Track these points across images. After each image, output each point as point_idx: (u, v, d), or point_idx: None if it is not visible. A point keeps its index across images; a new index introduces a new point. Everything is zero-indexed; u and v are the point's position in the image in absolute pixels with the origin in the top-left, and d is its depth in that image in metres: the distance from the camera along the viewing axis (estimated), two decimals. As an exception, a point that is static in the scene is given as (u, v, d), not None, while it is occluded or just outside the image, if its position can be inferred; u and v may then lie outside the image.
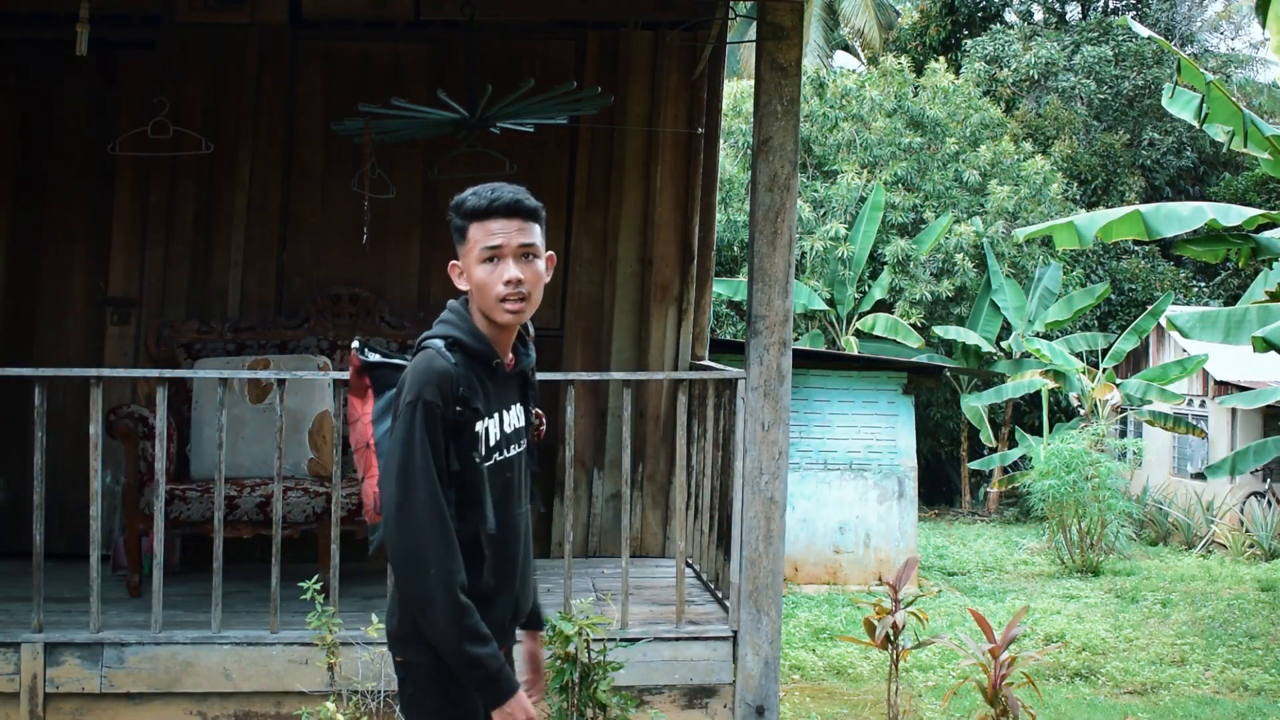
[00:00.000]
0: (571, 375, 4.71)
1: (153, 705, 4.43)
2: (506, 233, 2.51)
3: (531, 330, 2.79)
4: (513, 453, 2.65)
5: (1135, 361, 15.57)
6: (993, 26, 22.08)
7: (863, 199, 16.35)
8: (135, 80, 6.11)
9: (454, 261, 2.59)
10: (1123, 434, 15.75)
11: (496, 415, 2.60)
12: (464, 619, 2.41)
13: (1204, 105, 8.64)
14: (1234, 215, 9.00)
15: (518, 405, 2.69)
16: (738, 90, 17.71)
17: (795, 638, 8.24)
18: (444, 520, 2.43)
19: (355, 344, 2.75)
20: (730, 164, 16.62)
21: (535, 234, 2.55)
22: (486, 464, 2.56)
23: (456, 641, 2.40)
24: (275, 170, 6.19)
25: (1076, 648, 8.23)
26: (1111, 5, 23.35)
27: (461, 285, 2.59)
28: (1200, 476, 13.93)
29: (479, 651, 2.41)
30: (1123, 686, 7.53)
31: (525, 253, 2.53)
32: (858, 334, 16.02)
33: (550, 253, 2.64)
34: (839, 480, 10.43)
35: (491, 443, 2.58)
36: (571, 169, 6.38)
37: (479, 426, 2.54)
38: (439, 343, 2.53)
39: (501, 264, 2.52)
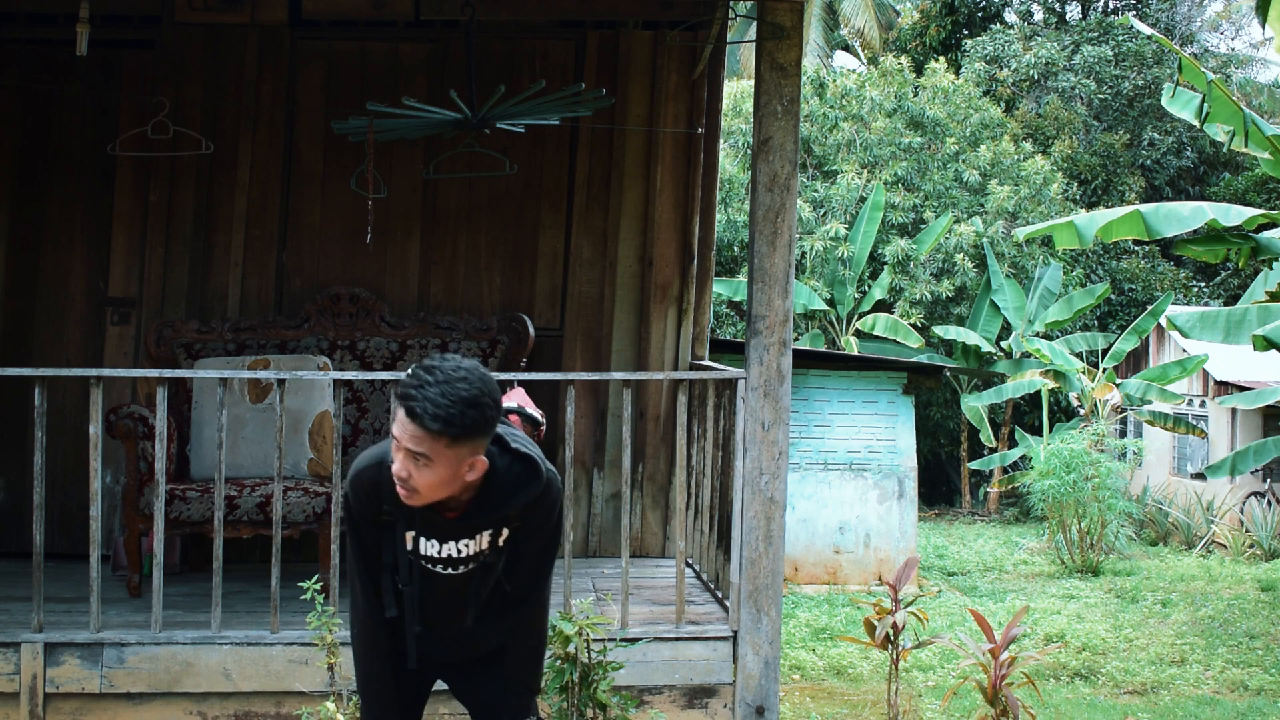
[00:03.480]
0: (571, 375, 4.71)
1: (153, 705, 4.43)
2: (404, 432, 2.54)
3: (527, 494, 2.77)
4: (446, 572, 2.78)
5: (1135, 361, 15.57)
6: (993, 26, 22.09)
7: (863, 199, 16.36)
8: (135, 80, 6.10)
9: None
10: (1123, 434, 15.75)
11: (427, 540, 2.75)
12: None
13: (1204, 105, 8.64)
14: (1234, 215, 9.00)
15: (467, 540, 2.75)
16: (738, 90, 17.71)
17: (795, 638, 8.24)
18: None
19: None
20: (730, 164, 16.62)
21: (430, 446, 2.51)
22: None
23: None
24: (275, 170, 6.19)
25: (1076, 648, 8.23)
26: (1111, 5, 23.35)
27: None
28: (1200, 476, 13.93)
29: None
30: (1123, 686, 7.54)
31: (415, 456, 2.55)
32: (858, 334, 16.02)
33: (480, 459, 2.60)
34: (839, 480, 10.43)
35: (423, 552, 2.76)
36: (571, 169, 6.38)
37: (400, 531, 2.75)
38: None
39: (399, 453, 2.57)
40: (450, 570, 2.77)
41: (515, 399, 3.16)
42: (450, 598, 2.83)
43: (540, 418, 3.16)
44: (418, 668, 2.90)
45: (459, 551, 2.75)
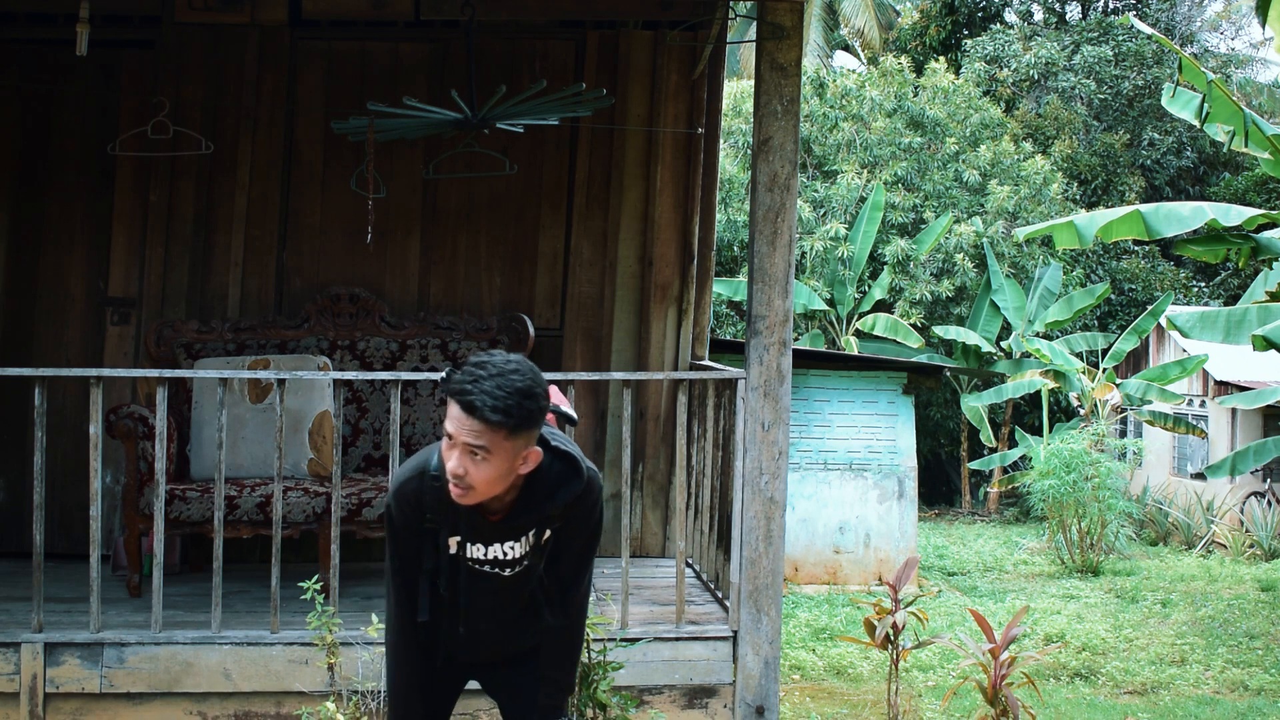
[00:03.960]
0: (572, 375, 4.71)
1: (153, 705, 4.43)
2: (461, 428, 2.52)
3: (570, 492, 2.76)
4: (494, 573, 2.78)
5: (1135, 361, 15.57)
6: (993, 26, 22.09)
7: (863, 199, 16.36)
8: (135, 80, 6.10)
9: None
10: (1123, 434, 15.75)
11: (472, 545, 2.74)
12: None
13: (1204, 105, 8.64)
14: (1234, 215, 9.00)
15: (512, 542, 2.74)
16: (738, 90, 17.71)
17: (795, 638, 8.24)
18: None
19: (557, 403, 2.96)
20: (730, 164, 16.62)
21: (490, 439, 2.51)
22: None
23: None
24: (275, 170, 6.19)
25: (1076, 648, 8.24)
26: (1111, 5, 23.35)
27: None
28: (1200, 476, 13.93)
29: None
30: (1123, 686, 7.54)
31: (473, 451, 2.53)
32: (858, 334, 16.02)
33: (534, 449, 2.61)
34: (839, 480, 10.43)
35: (469, 555, 2.75)
36: (571, 169, 6.38)
37: (443, 538, 2.74)
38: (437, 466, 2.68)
39: (453, 450, 2.55)
40: (499, 571, 2.77)
41: (551, 397, 3.18)
42: (502, 599, 2.83)
43: (575, 415, 3.16)
44: (453, 669, 2.93)
45: (505, 554, 2.74)
